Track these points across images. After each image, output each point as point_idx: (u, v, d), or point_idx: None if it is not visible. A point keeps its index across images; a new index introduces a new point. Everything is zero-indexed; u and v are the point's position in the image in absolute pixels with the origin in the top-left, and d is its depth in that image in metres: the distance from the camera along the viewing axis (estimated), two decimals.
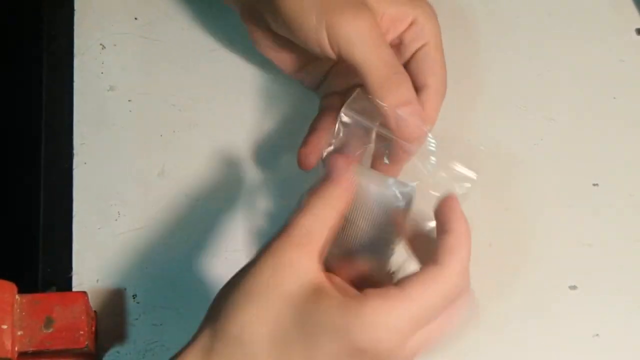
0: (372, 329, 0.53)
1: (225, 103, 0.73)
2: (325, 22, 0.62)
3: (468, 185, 0.61)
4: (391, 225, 0.60)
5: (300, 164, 0.67)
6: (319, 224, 0.56)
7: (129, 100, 0.73)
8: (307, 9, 0.62)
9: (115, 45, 0.73)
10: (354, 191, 0.58)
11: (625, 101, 0.74)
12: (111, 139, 0.72)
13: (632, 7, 0.76)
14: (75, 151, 0.71)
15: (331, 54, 0.63)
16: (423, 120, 0.62)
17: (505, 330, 0.68)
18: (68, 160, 0.71)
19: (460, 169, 0.62)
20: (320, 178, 0.58)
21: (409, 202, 0.60)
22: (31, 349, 0.61)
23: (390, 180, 0.61)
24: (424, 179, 0.62)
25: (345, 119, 0.62)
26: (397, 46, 0.66)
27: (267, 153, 0.72)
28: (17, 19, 0.75)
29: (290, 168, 0.70)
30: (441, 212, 0.57)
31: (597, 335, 0.69)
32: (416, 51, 0.65)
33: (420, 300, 0.54)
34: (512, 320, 0.69)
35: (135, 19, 0.74)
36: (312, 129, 0.68)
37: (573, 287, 0.70)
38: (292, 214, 0.56)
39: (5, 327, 0.60)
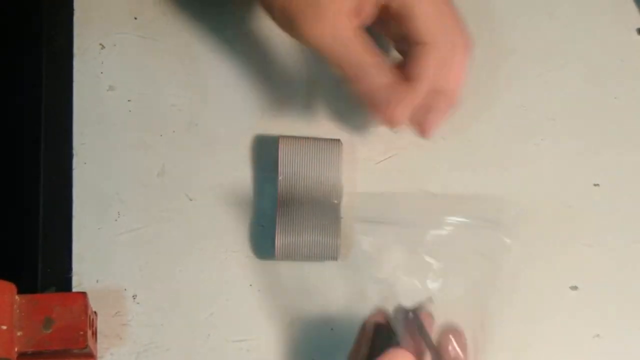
0: None
1: (225, 103, 0.73)
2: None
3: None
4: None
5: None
6: None
7: (129, 100, 0.73)
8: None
9: (115, 45, 0.73)
10: None
11: (626, 101, 0.74)
12: (111, 139, 0.72)
13: (633, 7, 0.76)
14: (75, 151, 0.71)
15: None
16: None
17: (505, 331, 0.68)
18: (68, 160, 0.71)
19: None
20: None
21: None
22: (31, 350, 0.61)
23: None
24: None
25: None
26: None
27: (267, 153, 0.72)
28: (17, 19, 0.74)
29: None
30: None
31: (598, 335, 0.69)
32: (397, 8, 0.64)
33: None
34: (512, 321, 0.69)
35: (135, 18, 0.74)
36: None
37: (573, 288, 0.70)
38: None
39: (4, 327, 0.60)
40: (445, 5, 0.66)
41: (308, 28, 0.64)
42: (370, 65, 0.64)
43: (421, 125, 0.66)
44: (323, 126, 0.72)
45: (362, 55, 0.64)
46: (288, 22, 0.64)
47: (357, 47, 0.64)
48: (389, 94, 0.64)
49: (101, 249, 0.69)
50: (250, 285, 0.70)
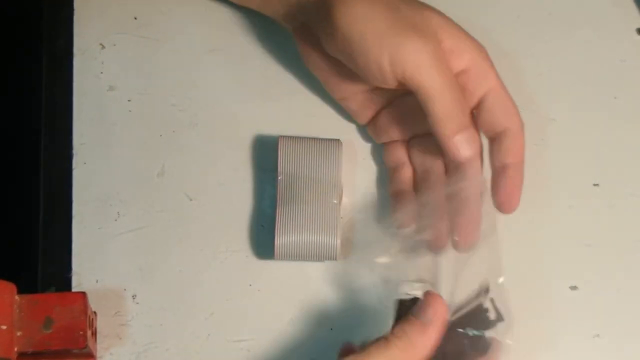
0: None
1: (225, 103, 0.73)
2: (389, 46, 0.62)
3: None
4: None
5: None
6: None
7: (129, 100, 0.73)
8: (369, 33, 0.62)
9: (115, 45, 0.73)
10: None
11: (626, 101, 0.74)
12: (111, 139, 0.72)
13: (633, 7, 0.76)
14: (75, 151, 0.71)
15: (391, 79, 0.63)
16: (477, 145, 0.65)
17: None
18: (68, 160, 0.71)
19: None
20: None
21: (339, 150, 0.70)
22: (30, 350, 0.61)
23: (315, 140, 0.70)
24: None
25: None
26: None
27: (267, 153, 0.72)
28: (17, 19, 0.74)
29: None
30: (426, 300, 0.61)
31: (598, 335, 0.69)
32: (483, 96, 0.65)
33: None
34: (512, 321, 0.69)
35: (135, 18, 0.74)
36: (393, 195, 0.70)
37: (573, 287, 0.70)
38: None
39: (4, 327, 0.60)
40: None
41: (410, 45, 0.62)
42: (461, 102, 0.64)
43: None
44: (323, 126, 0.72)
45: (458, 89, 0.64)
46: (390, 43, 0.62)
47: (453, 75, 0.64)
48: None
49: (101, 249, 0.69)
50: (250, 285, 0.70)
